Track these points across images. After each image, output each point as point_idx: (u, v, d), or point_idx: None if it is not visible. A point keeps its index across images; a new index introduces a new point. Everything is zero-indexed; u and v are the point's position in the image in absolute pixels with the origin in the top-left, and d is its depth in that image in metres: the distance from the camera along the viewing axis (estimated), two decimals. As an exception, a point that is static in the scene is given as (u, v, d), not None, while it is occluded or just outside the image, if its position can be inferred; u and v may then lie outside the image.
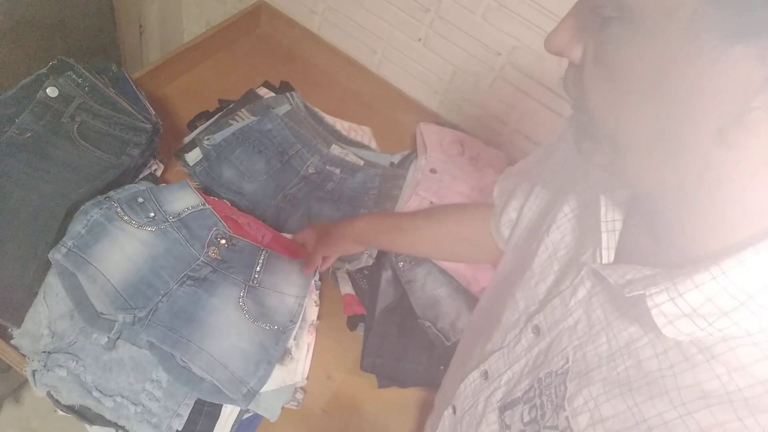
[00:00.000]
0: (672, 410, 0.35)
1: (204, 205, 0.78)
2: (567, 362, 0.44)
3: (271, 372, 0.72)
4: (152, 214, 0.74)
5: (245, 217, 0.86)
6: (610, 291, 0.42)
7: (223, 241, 0.77)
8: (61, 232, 0.74)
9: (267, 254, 0.80)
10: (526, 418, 0.46)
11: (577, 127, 0.40)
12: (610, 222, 0.43)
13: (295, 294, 0.80)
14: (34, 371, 0.67)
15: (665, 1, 0.29)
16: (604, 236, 0.43)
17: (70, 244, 0.69)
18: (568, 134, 0.59)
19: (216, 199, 0.86)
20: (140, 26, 1.32)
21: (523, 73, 1.02)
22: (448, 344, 0.88)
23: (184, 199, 0.78)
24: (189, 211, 0.77)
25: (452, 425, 0.60)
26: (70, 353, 0.69)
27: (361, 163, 1.05)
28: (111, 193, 0.74)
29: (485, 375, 0.55)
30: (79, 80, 0.75)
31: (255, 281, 0.77)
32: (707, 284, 0.33)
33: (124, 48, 1.30)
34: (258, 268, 0.78)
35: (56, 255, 0.68)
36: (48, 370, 0.67)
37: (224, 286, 0.74)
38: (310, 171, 1.01)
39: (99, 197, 0.73)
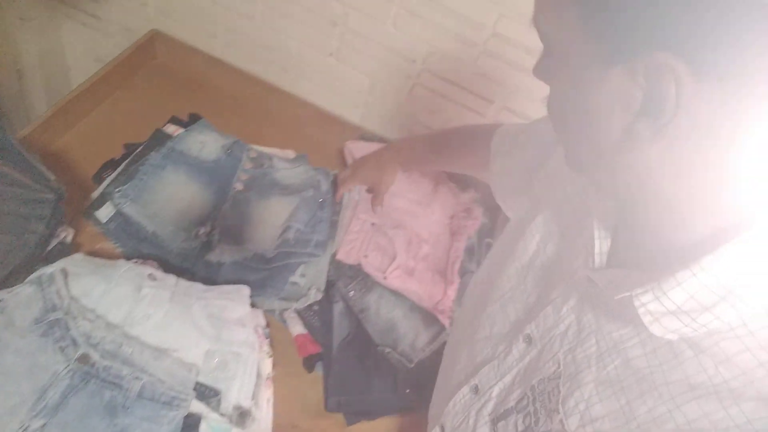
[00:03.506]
0: (661, 405, 0.36)
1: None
2: (558, 367, 0.45)
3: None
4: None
5: None
6: (601, 295, 0.44)
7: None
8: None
9: None
10: (521, 427, 0.47)
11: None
12: (602, 230, 0.45)
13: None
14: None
15: (564, 40, 0.36)
16: (596, 243, 0.45)
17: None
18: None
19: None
20: (18, 71, 1.18)
21: (440, 78, 1.01)
22: (411, 366, 0.86)
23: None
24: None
25: None
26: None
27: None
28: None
29: (475, 390, 0.55)
30: (-44, 157, 0.65)
31: None
32: (689, 281, 0.34)
33: (3, 98, 1.16)
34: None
35: None
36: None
37: None
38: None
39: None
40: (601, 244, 0.45)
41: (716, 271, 0.33)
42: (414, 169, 0.98)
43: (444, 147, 0.89)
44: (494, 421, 0.51)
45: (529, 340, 0.50)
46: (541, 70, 0.42)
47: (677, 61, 0.29)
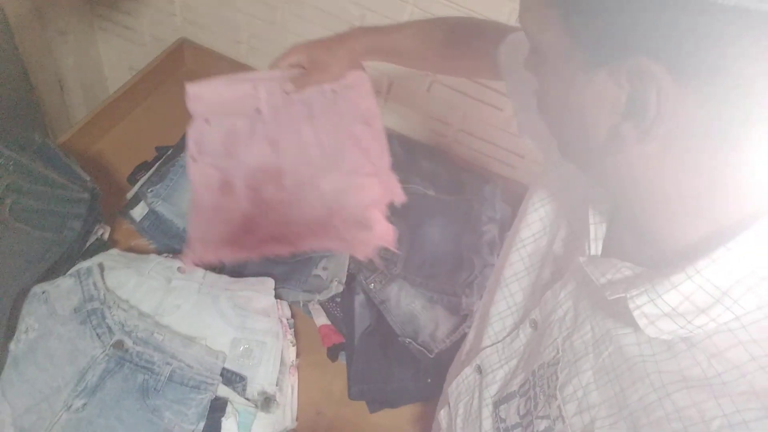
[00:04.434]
0: (652, 392, 0.36)
1: None
2: (557, 353, 0.45)
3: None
4: None
5: None
6: (594, 283, 0.44)
7: None
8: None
9: None
10: (522, 411, 0.48)
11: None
12: (598, 215, 0.45)
13: None
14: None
15: (549, 41, 0.36)
16: (591, 228, 0.45)
17: None
18: None
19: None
20: (60, 83, 1.25)
21: (458, 74, 1.03)
22: (431, 356, 0.87)
23: None
24: None
25: (447, 422, 0.60)
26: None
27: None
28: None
29: (479, 370, 0.56)
30: (1, 161, 0.71)
31: None
32: (684, 284, 0.34)
33: (47, 109, 1.23)
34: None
35: None
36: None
37: None
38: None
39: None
40: (596, 230, 0.45)
41: (711, 273, 0.33)
42: (379, 59, 0.75)
43: (428, 39, 0.72)
44: (496, 404, 0.51)
45: (534, 325, 0.51)
46: (531, 65, 0.43)
47: (657, 66, 0.30)
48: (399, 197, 0.73)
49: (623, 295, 0.37)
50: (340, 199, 0.68)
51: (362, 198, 0.69)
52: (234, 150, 0.65)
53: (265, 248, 0.67)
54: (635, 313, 0.36)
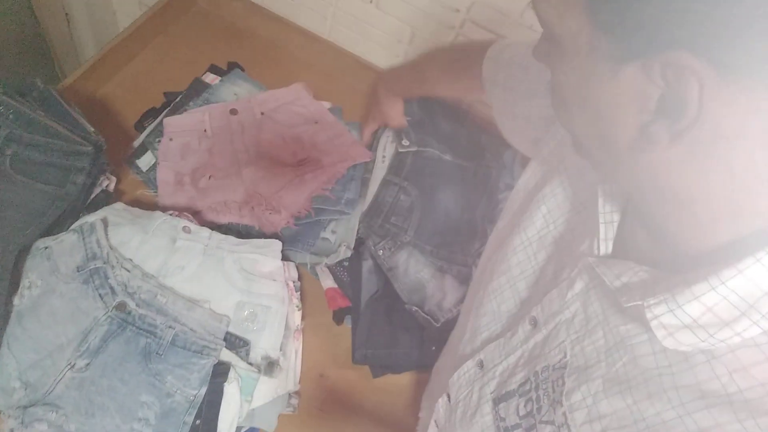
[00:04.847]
0: (671, 410, 0.34)
1: None
2: (565, 357, 0.44)
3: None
4: None
5: None
6: (608, 286, 0.41)
7: None
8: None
9: None
10: (522, 412, 0.46)
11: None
12: (608, 213, 0.42)
13: None
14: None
15: (570, 30, 0.32)
16: (601, 227, 0.42)
17: None
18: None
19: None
20: (66, 15, 1.20)
21: (484, 29, 0.96)
22: (437, 325, 0.86)
23: None
24: None
25: (447, 413, 0.60)
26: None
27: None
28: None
29: (480, 364, 0.55)
30: (1, 108, 0.67)
31: None
32: (707, 295, 0.32)
33: (54, 41, 1.19)
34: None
35: None
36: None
37: None
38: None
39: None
40: (606, 230, 0.42)
41: (737, 285, 0.31)
42: (407, 96, 0.94)
43: (427, 73, 0.82)
44: (495, 401, 0.50)
45: (534, 322, 0.49)
46: (542, 54, 0.39)
47: (698, 61, 0.26)
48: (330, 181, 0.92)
49: (640, 303, 0.35)
50: (256, 186, 0.89)
51: (274, 186, 0.89)
52: (186, 156, 0.91)
53: (207, 216, 0.86)
54: (653, 323, 0.34)
